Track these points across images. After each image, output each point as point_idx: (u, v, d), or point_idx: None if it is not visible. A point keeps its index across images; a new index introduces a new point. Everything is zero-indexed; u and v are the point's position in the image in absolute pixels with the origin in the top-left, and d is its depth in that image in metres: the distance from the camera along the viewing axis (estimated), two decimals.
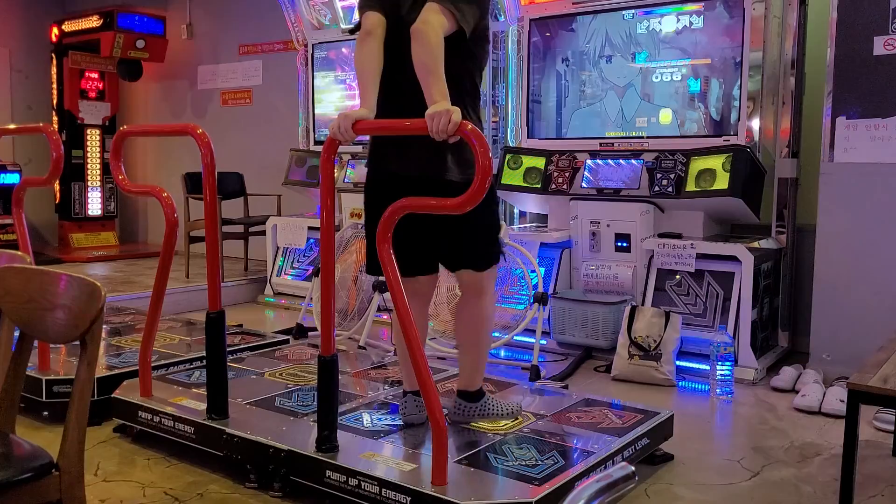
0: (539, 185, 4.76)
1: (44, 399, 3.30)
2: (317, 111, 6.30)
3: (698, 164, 4.31)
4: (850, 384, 2.22)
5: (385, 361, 3.79)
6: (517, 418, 2.89)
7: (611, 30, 4.67)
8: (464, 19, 2.50)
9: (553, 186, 4.70)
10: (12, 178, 7.41)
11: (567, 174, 4.71)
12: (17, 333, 1.95)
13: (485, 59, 2.76)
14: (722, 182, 4.19)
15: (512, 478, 2.41)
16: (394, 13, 2.63)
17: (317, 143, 6.25)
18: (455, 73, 2.54)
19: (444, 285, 4.34)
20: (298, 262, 6.00)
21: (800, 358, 4.26)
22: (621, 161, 4.57)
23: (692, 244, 4.22)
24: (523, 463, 2.50)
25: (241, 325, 4.70)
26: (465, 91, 2.64)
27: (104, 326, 3.11)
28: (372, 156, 2.80)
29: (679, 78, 4.47)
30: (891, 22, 3.78)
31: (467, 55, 2.63)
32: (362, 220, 4.83)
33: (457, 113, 2.19)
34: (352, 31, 2.75)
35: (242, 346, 4.04)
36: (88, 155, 8.34)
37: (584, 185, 4.64)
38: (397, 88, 2.59)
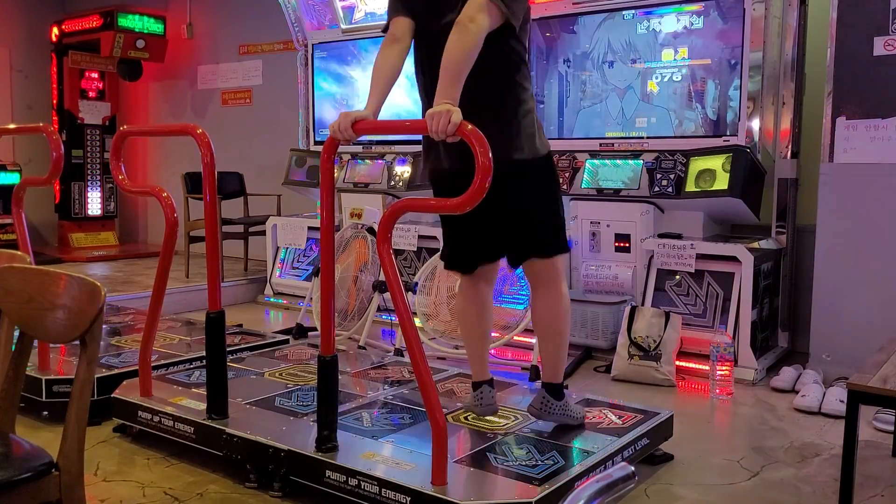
0: None
1: (44, 399, 3.30)
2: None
3: (698, 164, 4.31)
4: (849, 384, 2.22)
5: (385, 361, 3.79)
6: (583, 426, 2.85)
7: (612, 37, 4.67)
8: (513, 15, 2.47)
9: None
10: (12, 178, 7.41)
11: (567, 174, 4.71)
12: (17, 333, 1.95)
13: (527, 39, 2.71)
14: (722, 182, 4.19)
15: (512, 478, 2.41)
16: (429, 16, 2.58)
17: (317, 143, 6.26)
18: (504, 60, 2.55)
19: (444, 285, 4.34)
20: (298, 261, 6.00)
21: (800, 358, 4.26)
22: (621, 161, 4.58)
23: (692, 244, 4.22)
24: (523, 463, 2.50)
25: (241, 325, 4.70)
26: (516, 77, 2.62)
27: (104, 326, 3.11)
28: (426, 155, 2.77)
29: (679, 79, 4.47)
30: (891, 22, 3.78)
31: (514, 39, 2.60)
32: (362, 220, 4.86)
33: (457, 113, 2.19)
34: (384, 30, 2.73)
35: (242, 346, 4.04)
36: (88, 155, 8.34)
37: (584, 185, 4.64)
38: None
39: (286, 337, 4.34)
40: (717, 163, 4.24)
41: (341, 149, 2.73)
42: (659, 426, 2.92)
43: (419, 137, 2.69)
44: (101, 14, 7.78)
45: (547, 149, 2.71)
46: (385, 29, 2.71)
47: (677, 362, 4.00)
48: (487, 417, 2.89)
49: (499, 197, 2.46)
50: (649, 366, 3.93)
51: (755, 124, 4.27)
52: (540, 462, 2.51)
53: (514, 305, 4.50)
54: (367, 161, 5.84)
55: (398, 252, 5.25)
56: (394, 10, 2.66)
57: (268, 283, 6.10)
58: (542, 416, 2.81)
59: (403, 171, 5.55)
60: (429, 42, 2.60)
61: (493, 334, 4.19)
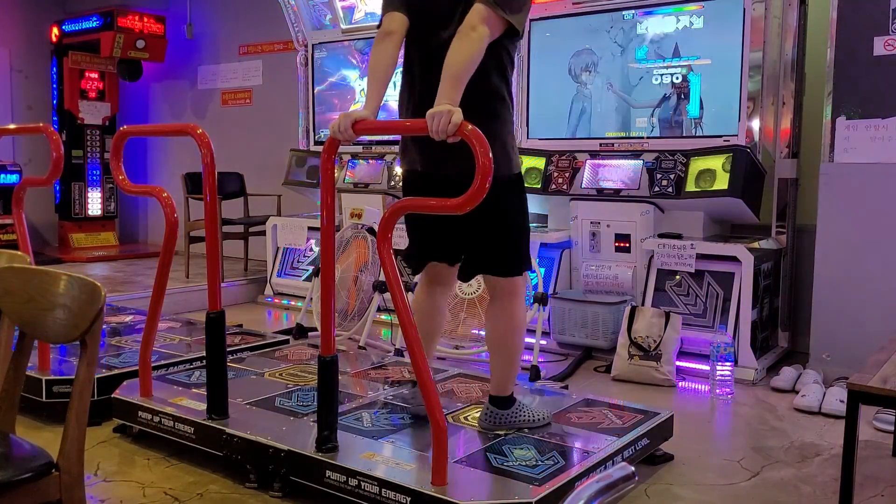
0: (539, 186, 4.76)
1: (44, 399, 3.30)
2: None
3: (698, 164, 4.31)
4: (850, 384, 2.22)
5: (385, 361, 3.79)
6: (549, 425, 2.82)
7: (614, 38, 4.68)
8: (516, 21, 2.47)
9: (553, 186, 4.70)
10: (12, 178, 7.41)
11: (567, 174, 4.71)
12: (17, 333, 1.95)
13: (515, 52, 2.69)
14: (722, 182, 4.19)
15: (512, 478, 2.40)
16: (429, 15, 2.57)
17: (317, 143, 6.26)
18: (486, 70, 2.52)
19: None
20: (298, 261, 6.00)
21: (800, 358, 4.26)
22: (621, 161, 4.58)
23: (692, 244, 4.22)
24: (523, 463, 2.50)
25: (241, 325, 4.69)
26: (495, 89, 2.59)
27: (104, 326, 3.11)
28: (405, 156, 2.75)
29: (679, 79, 4.47)
30: (891, 22, 3.78)
31: (503, 50, 2.58)
32: (362, 220, 4.86)
33: (457, 114, 2.19)
34: (378, 27, 2.71)
35: (242, 346, 4.04)
36: (88, 155, 8.34)
37: (584, 185, 4.64)
38: (431, 91, 2.44)
39: (286, 337, 4.34)
40: (717, 163, 4.24)
41: (341, 149, 2.72)
42: (659, 426, 2.92)
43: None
44: (101, 14, 7.79)
45: (517, 169, 2.67)
46: (379, 26, 2.69)
47: (677, 362, 4.00)
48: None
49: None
50: (649, 366, 3.93)
51: (755, 124, 4.27)
52: (540, 462, 2.51)
53: None
54: (367, 161, 5.84)
55: (398, 252, 5.23)
56: (387, 5, 2.65)
57: (268, 283, 6.10)
58: (490, 428, 2.75)
59: None
60: (422, 45, 2.59)
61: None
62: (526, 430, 2.76)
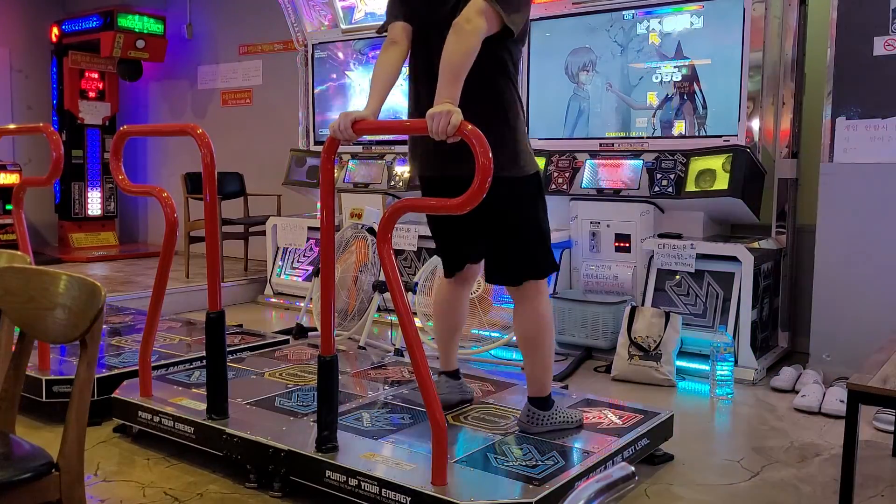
0: None
1: (44, 399, 3.30)
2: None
3: (698, 164, 4.31)
4: (850, 384, 2.22)
5: (385, 361, 3.79)
6: (581, 426, 2.84)
7: (613, 38, 4.68)
8: (511, 20, 2.47)
9: (553, 186, 4.70)
10: (12, 178, 7.41)
11: (567, 174, 4.71)
12: (17, 333, 1.95)
13: (519, 57, 2.69)
14: (722, 182, 4.19)
15: (512, 478, 2.41)
16: (429, 17, 2.59)
17: (317, 143, 6.26)
18: (488, 69, 2.53)
19: None
20: (298, 261, 6.00)
21: (800, 358, 4.26)
22: (621, 161, 4.58)
23: (692, 244, 4.22)
24: (523, 463, 2.50)
25: (241, 325, 4.69)
26: (499, 89, 2.60)
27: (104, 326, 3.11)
28: (417, 160, 2.76)
29: (679, 78, 4.47)
30: (891, 22, 3.78)
31: (506, 52, 2.59)
32: (362, 220, 4.85)
33: (457, 114, 2.19)
34: (379, 31, 2.79)
35: (242, 346, 4.04)
36: (88, 155, 8.34)
37: (583, 185, 4.64)
38: (433, 94, 2.44)
39: (286, 337, 4.34)
40: (717, 163, 4.25)
41: (341, 149, 2.73)
42: (659, 426, 2.92)
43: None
44: (101, 14, 7.78)
45: (533, 169, 2.66)
46: (381, 29, 2.75)
47: (677, 362, 4.00)
48: (488, 418, 2.90)
49: (474, 212, 2.34)
50: (649, 366, 3.93)
51: (755, 124, 4.27)
52: (540, 462, 2.51)
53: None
54: (367, 161, 5.84)
55: (398, 252, 5.25)
56: (391, 14, 2.69)
57: (268, 283, 6.10)
58: (530, 430, 2.76)
59: (403, 171, 5.55)
60: (425, 48, 2.61)
61: (492, 334, 4.21)
62: (564, 429, 2.78)
